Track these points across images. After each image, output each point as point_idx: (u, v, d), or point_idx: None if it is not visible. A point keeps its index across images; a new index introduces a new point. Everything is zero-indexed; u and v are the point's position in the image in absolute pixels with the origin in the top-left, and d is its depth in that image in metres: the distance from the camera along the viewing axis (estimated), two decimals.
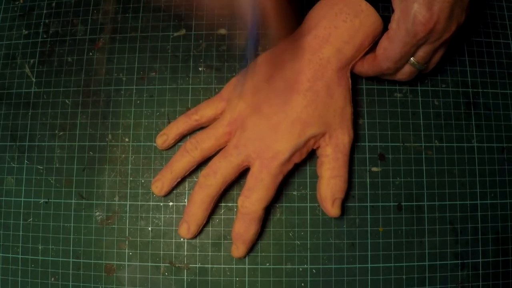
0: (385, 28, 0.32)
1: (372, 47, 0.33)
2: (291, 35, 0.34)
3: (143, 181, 0.36)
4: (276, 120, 0.32)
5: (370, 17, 0.32)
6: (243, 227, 0.32)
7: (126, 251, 0.35)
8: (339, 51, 0.32)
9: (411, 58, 0.31)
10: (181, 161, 0.33)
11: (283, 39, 0.31)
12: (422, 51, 0.30)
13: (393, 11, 0.30)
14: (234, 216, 0.34)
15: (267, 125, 0.32)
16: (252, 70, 0.34)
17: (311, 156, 0.34)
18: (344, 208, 0.35)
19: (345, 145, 0.33)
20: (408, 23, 0.28)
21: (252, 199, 0.31)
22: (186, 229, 0.33)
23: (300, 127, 0.32)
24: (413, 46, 0.30)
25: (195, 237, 0.34)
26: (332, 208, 0.32)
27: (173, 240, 0.35)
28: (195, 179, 0.35)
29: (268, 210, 0.34)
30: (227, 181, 0.32)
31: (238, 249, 0.33)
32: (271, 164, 0.31)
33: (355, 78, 0.37)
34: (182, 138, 0.36)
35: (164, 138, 0.35)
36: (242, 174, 0.33)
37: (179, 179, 0.34)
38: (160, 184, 0.34)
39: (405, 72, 0.32)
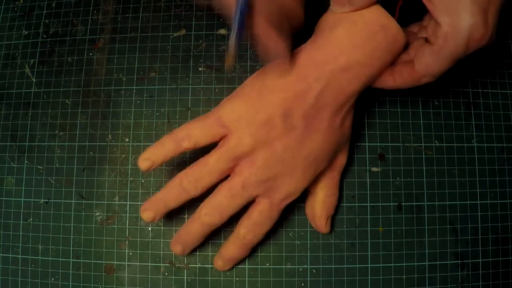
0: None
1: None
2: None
3: (143, 181, 0.36)
4: (291, 162, 0.29)
5: (392, 33, 0.29)
6: (240, 254, 0.32)
7: (126, 251, 0.35)
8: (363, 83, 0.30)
9: None
10: (178, 199, 0.30)
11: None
12: None
13: (429, 19, 0.28)
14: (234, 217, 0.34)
15: (280, 166, 0.29)
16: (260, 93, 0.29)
17: None
18: (344, 208, 0.35)
19: (342, 165, 0.33)
20: (461, 39, 0.25)
21: (258, 234, 0.31)
22: (180, 251, 0.31)
23: (315, 167, 0.30)
24: (460, 59, 0.27)
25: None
26: (325, 226, 0.33)
27: None
28: None
29: None
30: (230, 217, 0.30)
31: (225, 267, 0.33)
32: (282, 203, 0.30)
33: None
34: None
35: (149, 163, 0.30)
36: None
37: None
38: (152, 215, 0.30)
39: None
